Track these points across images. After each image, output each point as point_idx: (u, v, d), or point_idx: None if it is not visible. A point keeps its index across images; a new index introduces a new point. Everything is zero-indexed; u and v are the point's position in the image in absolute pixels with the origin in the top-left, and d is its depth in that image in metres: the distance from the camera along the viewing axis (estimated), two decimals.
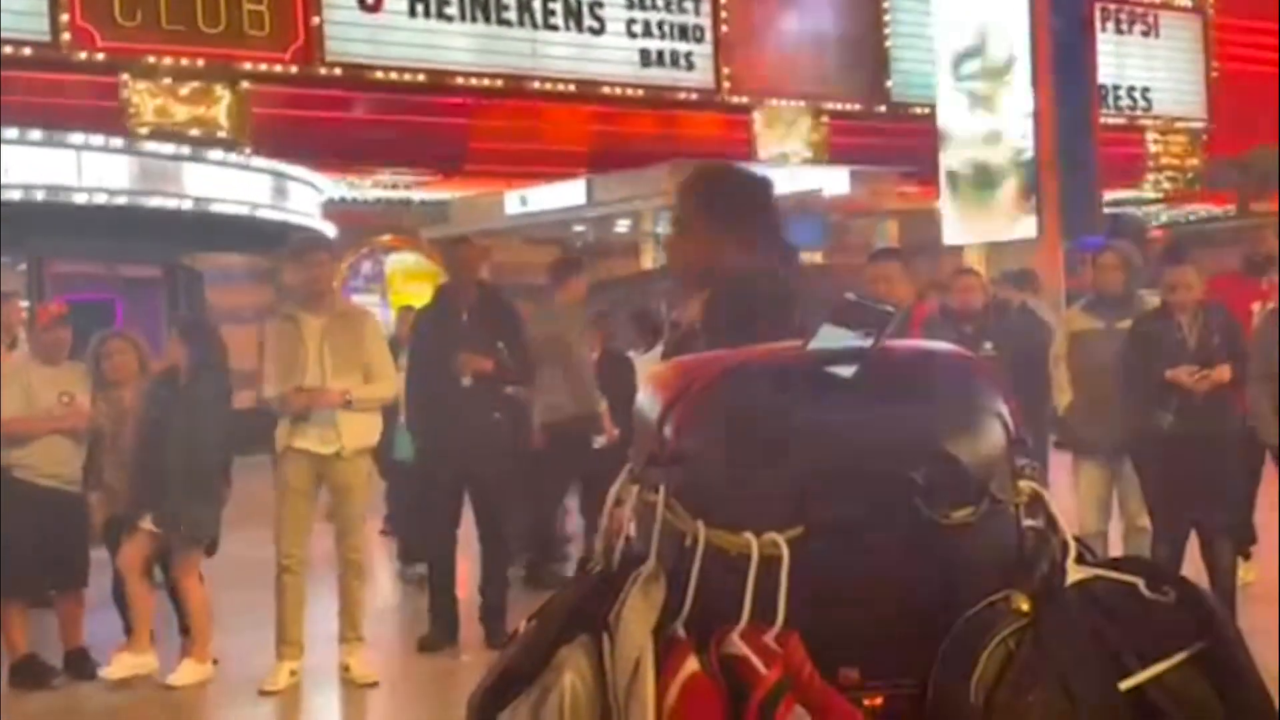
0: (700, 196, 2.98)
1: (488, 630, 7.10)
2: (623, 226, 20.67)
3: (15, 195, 12.10)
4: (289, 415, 6.57)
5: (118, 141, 13.99)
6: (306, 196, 17.60)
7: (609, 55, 20.59)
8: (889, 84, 23.19)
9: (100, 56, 16.64)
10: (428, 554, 7.62)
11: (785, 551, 1.73)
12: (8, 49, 15.89)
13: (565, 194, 19.79)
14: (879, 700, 1.76)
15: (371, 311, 7.60)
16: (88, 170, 12.63)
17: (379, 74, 18.67)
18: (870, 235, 20.64)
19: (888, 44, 23.28)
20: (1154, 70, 25.77)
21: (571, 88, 20.29)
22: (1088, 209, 17.95)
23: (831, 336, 1.91)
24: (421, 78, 18.99)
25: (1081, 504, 6.85)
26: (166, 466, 6.48)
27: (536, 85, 20.02)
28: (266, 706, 6.42)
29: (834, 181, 20.42)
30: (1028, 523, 1.84)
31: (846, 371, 1.86)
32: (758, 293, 2.69)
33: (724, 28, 21.59)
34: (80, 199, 12.45)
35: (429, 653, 7.11)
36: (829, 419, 1.82)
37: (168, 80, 17.06)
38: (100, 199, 12.59)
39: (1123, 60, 24.96)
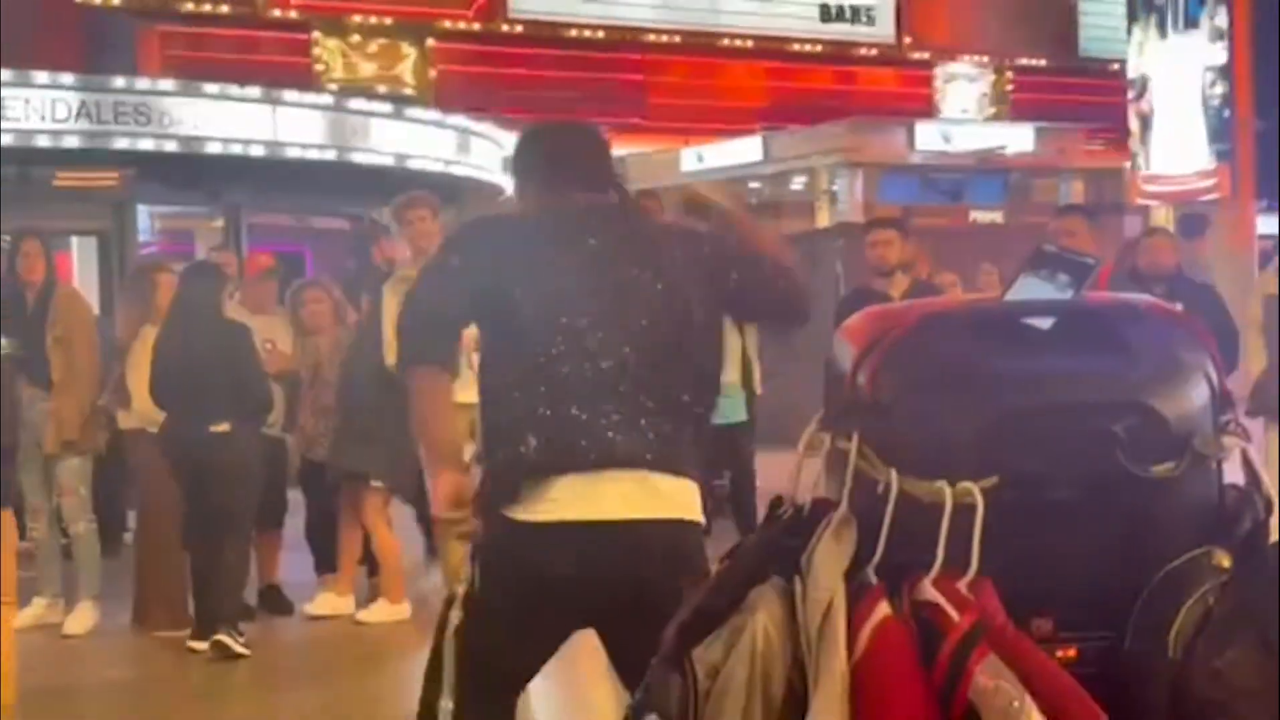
0: (528, 145, 3.04)
1: None
2: (798, 184, 20.52)
3: (215, 149, 12.55)
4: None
5: (311, 97, 14.43)
6: (488, 152, 17.86)
7: (789, 10, 20.40)
8: (1077, 38, 22.52)
9: (293, 14, 17.14)
10: None
11: (980, 500, 1.73)
12: (207, 6, 16.51)
13: (742, 150, 19.72)
14: (1072, 652, 1.76)
15: None
16: (282, 125, 13.02)
17: (560, 31, 18.82)
18: (1054, 193, 20.13)
19: None
20: None
21: (751, 44, 20.17)
22: None
23: (1029, 288, 1.91)
24: (601, 34, 19.09)
25: (1273, 471, 6.63)
26: (344, 415, 6.69)
27: (716, 41, 19.95)
28: None
29: (1018, 138, 19.96)
30: (1230, 479, 1.82)
31: (1044, 323, 1.85)
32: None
33: None
34: (276, 153, 12.86)
35: None
36: (1026, 369, 1.81)
37: (356, 37, 17.50)
38: (294, 153, 12.98)
39: None
